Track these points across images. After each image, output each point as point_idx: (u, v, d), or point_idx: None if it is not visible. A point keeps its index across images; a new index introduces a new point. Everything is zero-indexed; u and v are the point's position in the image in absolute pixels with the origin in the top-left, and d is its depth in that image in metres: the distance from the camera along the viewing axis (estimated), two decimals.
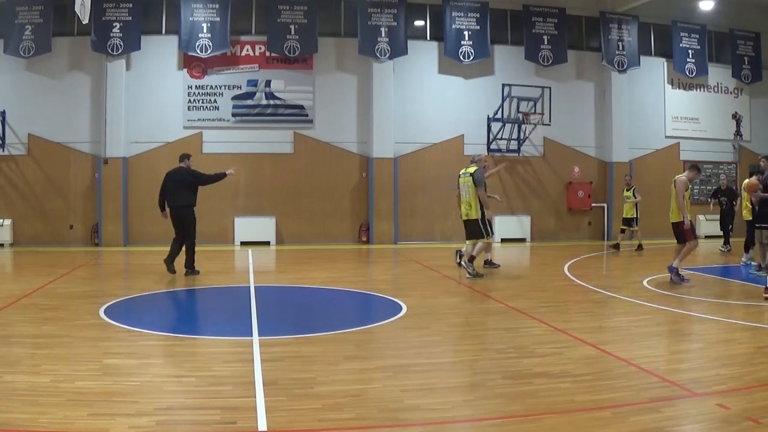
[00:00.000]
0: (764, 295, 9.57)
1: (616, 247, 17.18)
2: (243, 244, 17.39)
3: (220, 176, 12.06)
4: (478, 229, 11.59)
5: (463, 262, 11.97)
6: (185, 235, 11.69)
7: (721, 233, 17.07)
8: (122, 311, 8.65)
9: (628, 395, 5.57)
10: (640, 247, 16.82)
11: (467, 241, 11.95)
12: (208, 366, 6.10)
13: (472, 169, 11.68)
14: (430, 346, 7.20)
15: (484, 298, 10.23)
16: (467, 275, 11.55)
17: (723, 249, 16.59)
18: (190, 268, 11.78)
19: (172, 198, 11.66)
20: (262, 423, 4.72)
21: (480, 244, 11.75)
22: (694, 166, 11.59)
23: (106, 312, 8.44)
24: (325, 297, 10.51)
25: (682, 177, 11.35)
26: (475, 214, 11.54)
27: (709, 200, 17.92)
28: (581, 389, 5.75)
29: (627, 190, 17.00)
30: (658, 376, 6.12)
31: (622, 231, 17.19)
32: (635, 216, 16.72)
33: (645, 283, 11.67)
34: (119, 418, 4.66)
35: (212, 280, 11.71)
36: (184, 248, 11.81)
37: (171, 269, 11.55)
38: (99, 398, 5.08)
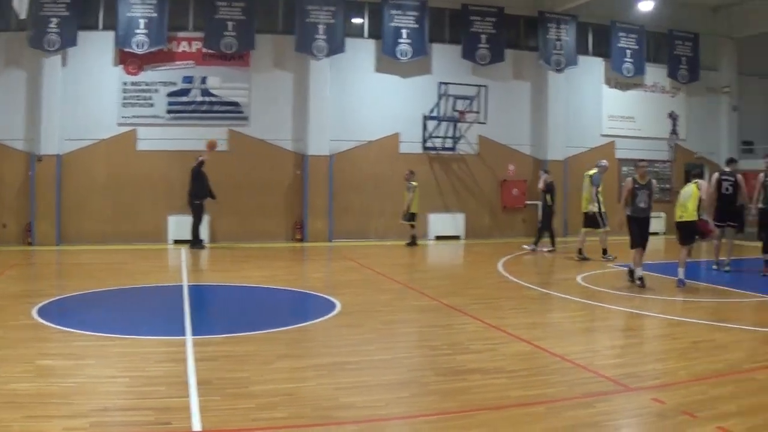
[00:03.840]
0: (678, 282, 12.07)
1: (413, 239, 20.22)
2: (177, 242, 19.39)
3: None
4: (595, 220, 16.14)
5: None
6: None
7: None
8: (56, 311, 9.44)
9: (562, 390, 6.27)
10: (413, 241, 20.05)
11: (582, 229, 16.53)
12: (142, 366, 6.81)
13: (592, 172, 15.37)
14: (364, 344, 8.05)
15: (418, 295, 11.45)
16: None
17: (527, 247, 18.92)
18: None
19: None
20: (196, 423, 5.27)
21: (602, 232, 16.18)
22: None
23: (39, 312, 9.24)
24: (258, 296, 11.63)
25: (704, 182, 13.01)
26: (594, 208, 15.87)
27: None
28: (515, 385, 6.42)
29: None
30: (592, 371, 6.84)
31: (412, 226, 20.14)
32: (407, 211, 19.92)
33: (579, 279, 13.09)
34: (55, 420, 5.18)
35: (146, 279, 12.95)
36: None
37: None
38: (34, 400, 5.60)
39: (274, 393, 6.07)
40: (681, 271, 12.36)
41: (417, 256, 18.54)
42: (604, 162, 17.06)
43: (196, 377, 6.42)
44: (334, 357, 7.37)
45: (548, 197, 18.69)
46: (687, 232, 12.64)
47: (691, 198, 12.39)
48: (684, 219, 12.54)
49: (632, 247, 12.45)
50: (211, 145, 18.64)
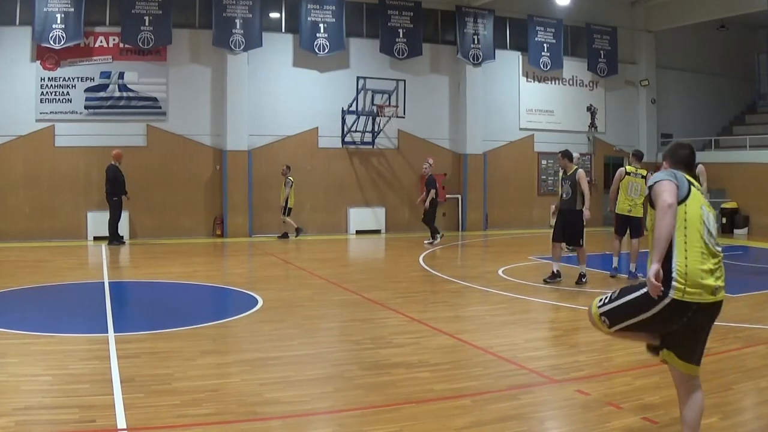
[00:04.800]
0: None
1: (298, 232, 23.20)
2: (96, 239, 21.53)
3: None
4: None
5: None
6: None
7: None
8: None
9: (486, 383, 6.80)
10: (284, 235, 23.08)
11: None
12: (65, 364, 7.28)
13: (644, 171, 14.39)
14: (286, 339, 8.74)
15: (339, 289, 12.52)
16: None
17: (426, 242, 21.23)
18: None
19: None
20: (121, 420, 5.65)
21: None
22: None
23: None
24: (180, 292, 12.68)
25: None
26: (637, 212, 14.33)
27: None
28: (439, 378, 7.00)
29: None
30: (516, 363, 7.43)
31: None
32: (285, 205, 22.78)
33: (500, 272, 14.44)
34: None
35: (66, 276, 14.03)
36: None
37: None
38: None
39: (199, 389, 6.57)
40: (615, 260, 14.15)
41: (339, 251, 21.22)
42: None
43: (119, 374, 6.94)
44: (258, 353, 8.04)
45: (433, 191, 21.56)
46: (627, 225, 14.16)
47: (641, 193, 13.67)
48: (633, 214, 14.06)
49: (552, 239, 13.81)
50: (117, 157, 21.08)
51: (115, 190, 20.76)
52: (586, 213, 13.29)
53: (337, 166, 25.04)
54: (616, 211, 14.59)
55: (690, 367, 5.03)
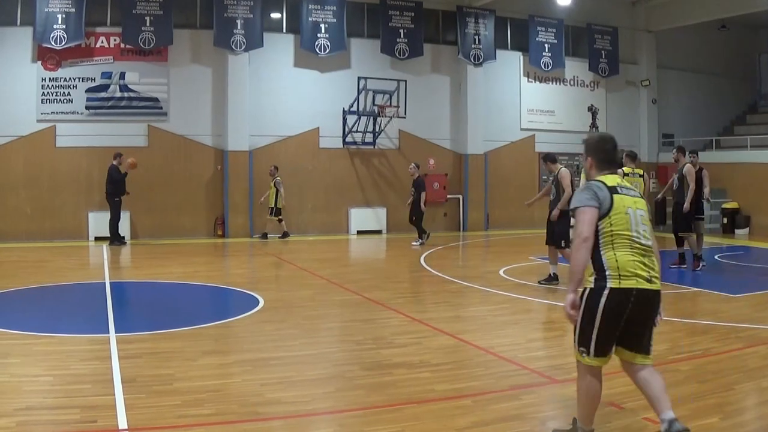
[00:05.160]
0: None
1: (264, 236, 23.12)
2: (97, 239, 21.60)
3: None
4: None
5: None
6: None
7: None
8: None
9: (488, 383, 6.82)
10: (265, 236, 23.09)
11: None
12: (66, 364, 7.31)
13: (641, 170, 14.52)
14: (288, 339, 8.77)
15: (340, 290, 12.59)
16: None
17: (415, 243, 21.10)
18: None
19: None
20: (122, 421, 5.67)
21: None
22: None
23: None
24: (181, 292, 12.74)
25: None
26: None
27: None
28: (441, 378, 7.01)
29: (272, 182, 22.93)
30: (517, 364, 7.43)
31: (280, 221, 23.09)
32: (274, 206, 22.89)
33: (501, 272, 14.49)
34: None
35: (67, 277, 14.10)
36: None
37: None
38: None
39: (200, 390, 6.60)
40: None
41: (340, 251, 21.30)
42: None
43: (121, 375, 6.96)
44: (259, 353, 8.07)
45: (424, 194, 21.62)
46: None
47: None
48: None
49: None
50: (132, 165, 21.07)
51: (115, 191, 20.76)
52: (554, 213, 13.27)
53: (338, 166, 25.08)
54: None
55: (640, 357, 5.19)
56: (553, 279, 13.42)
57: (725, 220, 25.92)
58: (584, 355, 5.18)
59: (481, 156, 26.87)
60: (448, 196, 26.61)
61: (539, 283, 13.43)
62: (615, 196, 5.12)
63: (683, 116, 30.73)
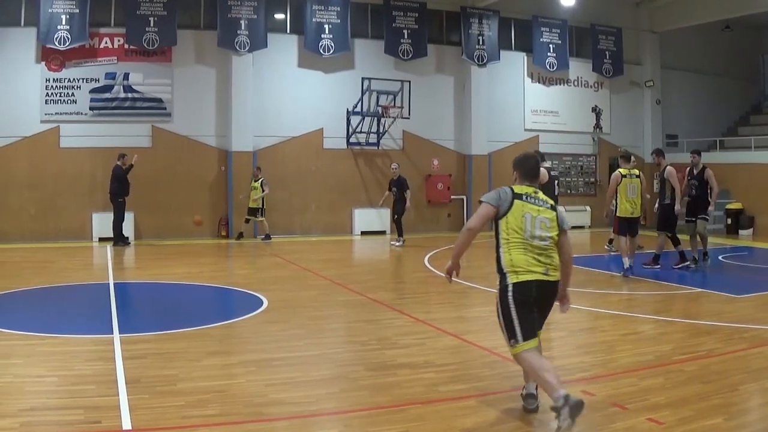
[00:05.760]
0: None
1: (240, 236, 23.00)
2: (101, 240, 21.58)
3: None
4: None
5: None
6: None
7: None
8: None
9: (491, 384, 6.82)
10: (267, 237, 22.75)
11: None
12: (70, 365, 7.32)
13: (638, 171, 14.89)
14: (292, 340, 8.74)
15: (344, 290, 12.58)
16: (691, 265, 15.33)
17: (396, 243, 21.44)
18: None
19: None
20: (126, 422, 5.68)
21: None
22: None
23: None
24: (185, 293, 12.75)
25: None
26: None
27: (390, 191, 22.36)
28: (445, 379, 7.02)
29: (254, 182, 22.80)
30: None
31: (247, 221, 23.14)
32: (261, 207, 22.80)
33: None
34: None
35: (71, 277, 14.06)
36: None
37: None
38: None
39: (204, 390, 6.60)
40: (626, 260, 14.34)
41: (344, 252, 21.28)
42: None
43: (124, 375, 6.96)
44: (263, 353, 8.07)
45: (407, 193, 21.68)
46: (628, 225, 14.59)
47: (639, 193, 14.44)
48: (635, 215, 14.50)
49: None
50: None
51: (119, 191, 20.76)
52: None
53: (342, 166, 25.09)
54: (618, 215, 14.79)
55: (535, 341, 5.81)
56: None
57: (729, 221, 25.85)
58: (516, 344, 5.74)
59: (485, 157, 26.84)
60: (452, 197, 26.66)
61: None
62: (517, 201, 5.89)
63: (687, 117, 30.71)
